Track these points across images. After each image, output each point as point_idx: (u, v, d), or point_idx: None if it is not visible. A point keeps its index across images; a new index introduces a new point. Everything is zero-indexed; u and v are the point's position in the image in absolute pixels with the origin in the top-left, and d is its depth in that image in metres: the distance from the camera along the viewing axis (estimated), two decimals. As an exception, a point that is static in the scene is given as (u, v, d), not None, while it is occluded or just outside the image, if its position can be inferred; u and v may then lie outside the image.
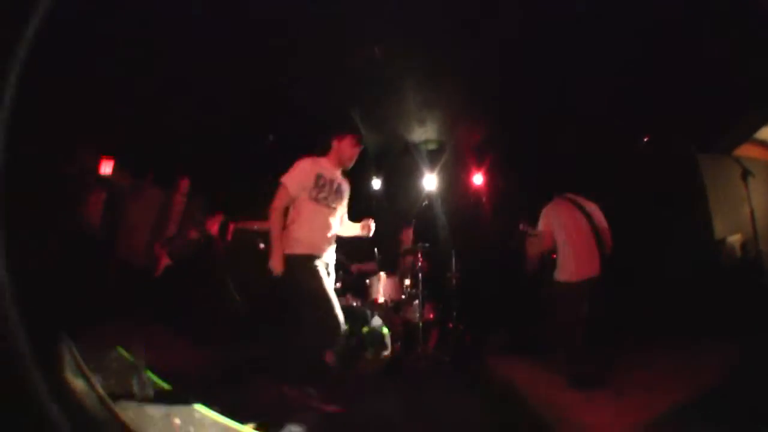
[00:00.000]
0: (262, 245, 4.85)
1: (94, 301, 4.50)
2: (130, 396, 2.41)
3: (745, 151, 5.54)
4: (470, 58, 4.66)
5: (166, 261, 5.12)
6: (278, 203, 3.23)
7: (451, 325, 5.68)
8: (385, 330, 4.63)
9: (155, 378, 2.59)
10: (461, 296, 5.73)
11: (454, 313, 5.66)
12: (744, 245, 4.95)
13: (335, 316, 3.07)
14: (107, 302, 4.61)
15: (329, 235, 3.38)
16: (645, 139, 5.69)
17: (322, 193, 3.33)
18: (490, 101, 5.43)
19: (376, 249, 5.82)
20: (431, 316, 5.49)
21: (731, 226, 5.12)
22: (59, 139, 5.09)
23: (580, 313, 3.72)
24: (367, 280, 5.41)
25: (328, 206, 3.37)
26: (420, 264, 5.26)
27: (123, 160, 5.92)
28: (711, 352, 3.79)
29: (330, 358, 3.85)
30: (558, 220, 3.99)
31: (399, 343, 4.74)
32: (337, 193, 3.45)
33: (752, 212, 4.45)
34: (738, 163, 4.66)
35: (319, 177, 3.32)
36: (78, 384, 1.89)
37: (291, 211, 3.31)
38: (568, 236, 3.90)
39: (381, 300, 5.21)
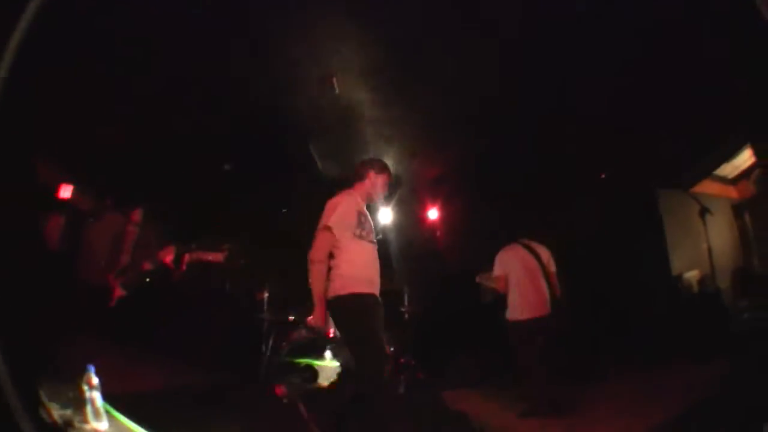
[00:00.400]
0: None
1: (52, 323, 4.42)
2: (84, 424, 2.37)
3: (704, 187, 5.69)
4: (424, 92, 4.78)
5: (119, 292, 5.01)
6: (323, 251, 2.94)
7: (402, 360, 5.67)
8: (337, 363, 4.59)
9: (109, 408, 2.55)
10: (414, 331, 5.78)
11: (406, 348, 5.67)
12: (702, 281, 5.09)
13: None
14: (66, 324, 4.53)
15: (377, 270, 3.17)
16: (601, 176, 5.80)
17: (365, 230, 3.10)
18: (447, 137, 5.55)
19: None
20: None
21: (688, 262, 5.25)
22: (19, 161, 5.03)
23: (533, 350, 3.99)
24: None
25: (372, 242, 3.17)
26: None
27: (84, 183, 5.88)
28: (666, 381, 3.94)
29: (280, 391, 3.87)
30: (510, 264, 4.30)
31: (351, 378, 4.71)
32: (372, 227, 3.23)
33: (709, 249, 4.58)
34: (696, 200, 4.78)
35: (359, 214, 3.11)
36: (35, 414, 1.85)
37: (335, 253, 2.98)
38: (518, 279, 4.20)
39: (332, 334, 5.14)
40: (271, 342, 4.81)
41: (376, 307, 3.03)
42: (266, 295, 4.97)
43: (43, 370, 3.08)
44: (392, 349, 5.55)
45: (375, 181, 3.30)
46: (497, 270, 4.35)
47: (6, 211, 4.78)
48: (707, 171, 5.63)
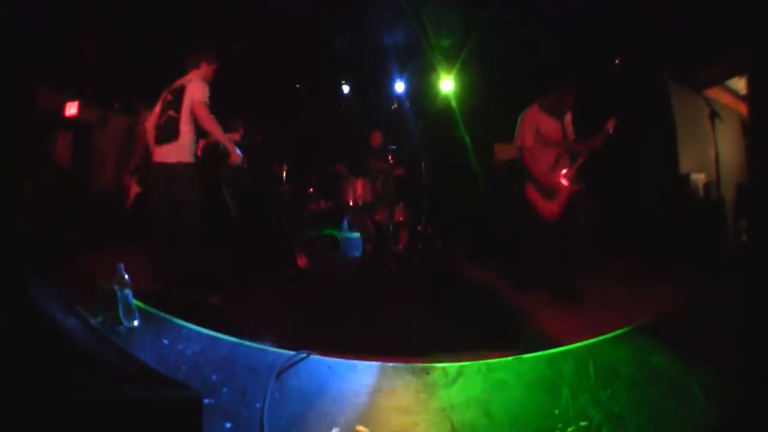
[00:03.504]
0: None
1: (70, 236, 4.52)
2: (119, 324, 2.48)
3: (717, 94, 5.58)
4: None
5: (136, 190, 5.05)
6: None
7: (419, 228, 5.86)
8: (357, 233, 4.70)
9: (139, 303, 2.65)
10: (430, 199, 5.86)
11: (423, 216, 5.84)
12: (707, 186, 5.10)
13: None
14: (84, 236, 4.62)
15: None
16: (615, 62, 5.60)
17: None
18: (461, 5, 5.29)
19: (345, 156, 5.87)
20: (401, 218, 5.65)
21: (696, 164, 5.22)
22: (21, 85, 4.97)
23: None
24: (338, 183, 5.42)
25: None
26: (390, 166, 5.33)
27: (88, 95, 5.78)
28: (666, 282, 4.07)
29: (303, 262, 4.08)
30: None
31: (370, 245, 4.86)
32: None
33: (717, 156, 4.50)
34: (707, 102, 4.63)
35: None
36: (71, 322, 1.93)
37: None
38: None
39: (351, 203, 5.25)
40: (290, 214, 5.01)
41: None
42: (285, 168, 5.02)
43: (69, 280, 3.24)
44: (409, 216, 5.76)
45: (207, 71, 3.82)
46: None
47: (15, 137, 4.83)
48: (720, 77, 5.51)
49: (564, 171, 3.92)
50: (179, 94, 3.60)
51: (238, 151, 3.66)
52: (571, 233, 3.88)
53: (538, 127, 3.97)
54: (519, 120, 4.08)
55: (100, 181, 5.96)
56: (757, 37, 3.74)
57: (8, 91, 4.68)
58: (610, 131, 3.84)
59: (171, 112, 3.58)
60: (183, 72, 3.79)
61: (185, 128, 3.56)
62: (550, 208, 3.88)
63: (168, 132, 3.57)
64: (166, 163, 3.54)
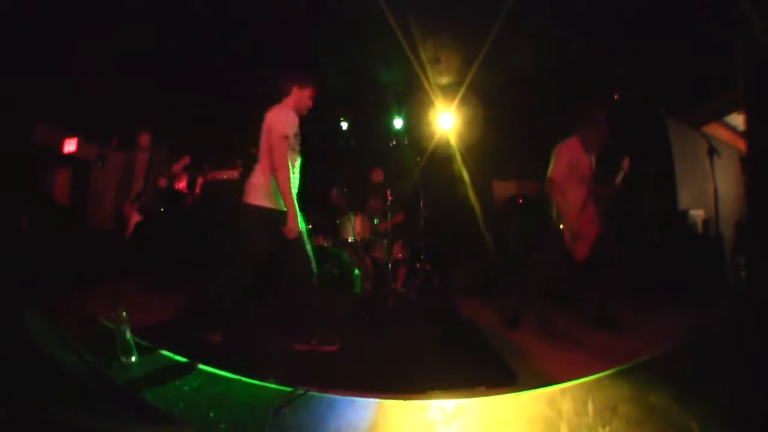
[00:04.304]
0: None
1: (68, 272, 4.55)
2: (116, 360, 2.48)
3: (715, 131, 5.66)
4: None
5: (135, 218, 5.10)
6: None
7: (418, 265, 5.89)
8: (356, 270, 4.68)
9: (138, 338, 2.65)
10: (428, 236, 5.93)
11: (421, 253, 5.88)
12: (706, 222, 5.11)
13: None
14: (81, 272, 4.66)
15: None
16: (615, 96, 5.63)
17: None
18: (460, 42, 5.33)
19: (345, 188, 5.88)
20: (399, 255, 5.63)
21: (695, 200, 5.25)
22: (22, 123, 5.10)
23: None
24: (337, 221, 5.41)
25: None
26: (388, 203, 5.37)
27: (86, 133, 5.92)
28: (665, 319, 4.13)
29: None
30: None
31: (368, 282, 4.81)
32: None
33: (716, 192, 4.48)
34: (705, 138, 4.65)
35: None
36: (68, 358, 1.94)
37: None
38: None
39: (350, 240, 5.26)
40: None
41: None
42: None
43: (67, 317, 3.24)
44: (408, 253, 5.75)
45: (300, 95, 3.40)
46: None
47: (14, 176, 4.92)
48: (718, 114, 5.58)
49: (592, 212, 3.86)
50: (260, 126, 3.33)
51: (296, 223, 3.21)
52: (598, 271, 3.89)
53: (575, 161, 3.84)
54: (555, 152, 3.93)
55: (97, 217, 6.05)
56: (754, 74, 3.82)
57: (7, 127, 4.79)
58: (626, 170, 3.90)
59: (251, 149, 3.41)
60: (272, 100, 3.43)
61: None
62: (579, 248, 3.80)
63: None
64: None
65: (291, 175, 3.18)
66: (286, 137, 3.14)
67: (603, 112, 3.89)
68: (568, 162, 3.82)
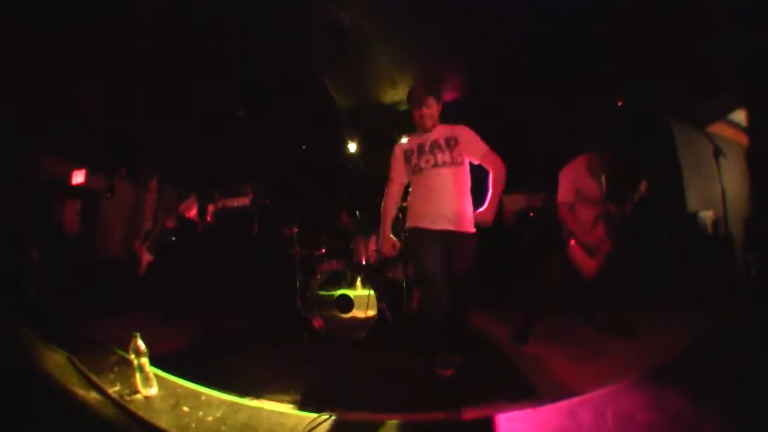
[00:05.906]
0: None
1: (83, 304, 4.61)
2: (136, 393, 2.50)
3: (718, 129, 5.63)
4: (441, 17, 4.57)
5: (147, 258, 5.15)
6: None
7: None
8: (372, 292, 4.67)
9: (156, 370, 2.67)
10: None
11: None
12: (715, 223, 5.08)
13: None
14: (97, 304, 4.72)
15: None
16: (618, 103, 5.64)
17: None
18: (463, 60, 5.39)
19: (357, 211, 5.85)
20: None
21: (703, 202, 5.23)
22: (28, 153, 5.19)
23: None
24: (351, 244, 5.36)
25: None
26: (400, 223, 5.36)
27: (94, 164, 6.02)
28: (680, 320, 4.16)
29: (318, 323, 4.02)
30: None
31: (384, 303, 4.79)
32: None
33: (723, 192, 4.45)
34: (709, 139, 4.55)
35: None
36: (88, 393, 1.96)
37: None
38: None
39: (364, 262, 5.21)
40: (302, 276, 4.97)
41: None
42: (295, 230, 5.02)
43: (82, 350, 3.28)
44: None
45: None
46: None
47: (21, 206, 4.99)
48: (721, 112, 5.56)
49: (603, 229, 3.88)
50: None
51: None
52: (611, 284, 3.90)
53: (581, 186, 3.90)
54: (560, 176, 3.95)
55: (108, 246, 6.12)
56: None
57: (15, 159, 4.86)
58: (643, 192, 3.93)
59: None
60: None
61: None
62: (590, 265, 3.81)
63: None
64: None
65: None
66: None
67: (608, 140, 3.96)
68: (574, 186, 3.88)
